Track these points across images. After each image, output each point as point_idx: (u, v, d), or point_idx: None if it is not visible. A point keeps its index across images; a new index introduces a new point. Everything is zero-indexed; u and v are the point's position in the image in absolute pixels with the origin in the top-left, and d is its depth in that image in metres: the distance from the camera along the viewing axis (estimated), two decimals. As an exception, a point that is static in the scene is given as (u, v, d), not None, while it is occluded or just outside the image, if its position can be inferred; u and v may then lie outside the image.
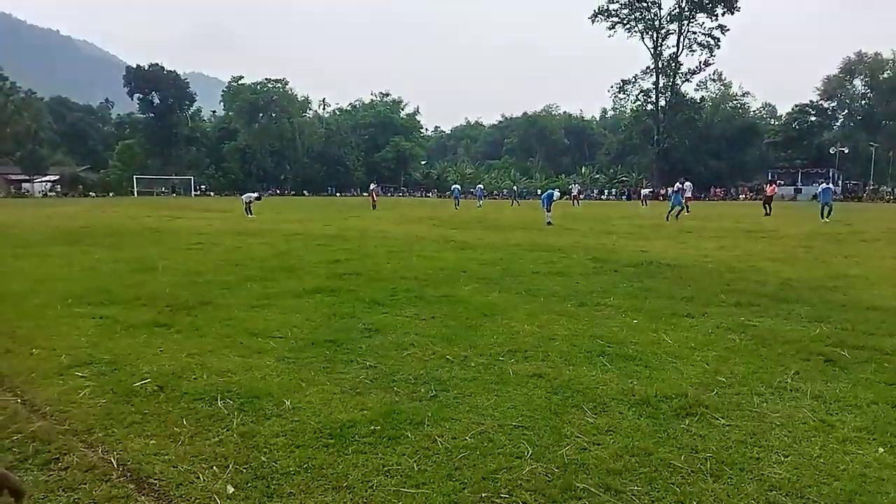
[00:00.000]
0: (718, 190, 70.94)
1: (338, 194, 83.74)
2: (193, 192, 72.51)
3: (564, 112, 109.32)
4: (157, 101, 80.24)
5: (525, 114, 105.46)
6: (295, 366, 4.61)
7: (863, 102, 73.77)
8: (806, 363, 4.64)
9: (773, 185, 31.91)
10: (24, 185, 70.07)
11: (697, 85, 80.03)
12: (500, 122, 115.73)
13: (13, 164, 74.41)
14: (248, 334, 5.47)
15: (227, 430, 3.42)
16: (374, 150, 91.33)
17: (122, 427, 3.46)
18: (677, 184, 28.51)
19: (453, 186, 48.53)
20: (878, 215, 28.86)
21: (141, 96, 79.89)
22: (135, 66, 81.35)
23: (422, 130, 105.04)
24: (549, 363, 4.75)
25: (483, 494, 2.77)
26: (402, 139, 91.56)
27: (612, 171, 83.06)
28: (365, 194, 63.65)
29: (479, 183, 65.31)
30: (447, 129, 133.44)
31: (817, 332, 5.53)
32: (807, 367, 4.53)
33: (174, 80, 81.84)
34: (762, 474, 2.92)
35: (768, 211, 28.14)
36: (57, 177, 73.60)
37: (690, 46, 72.70)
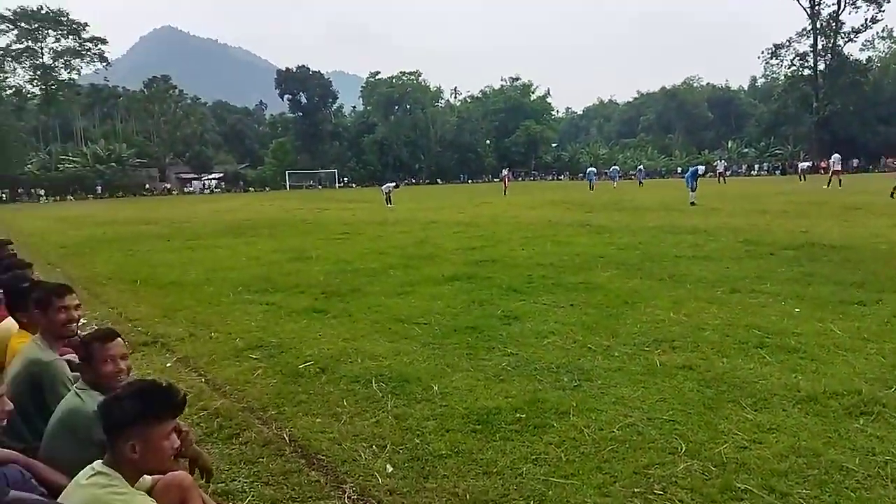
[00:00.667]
0: (891, 160, 62.60)
1: (470, 181, 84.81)
2: (337, 184, 76.98)
3: (708, 83, 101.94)
4: (304, 100, 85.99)
5: (663, 88, 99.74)
6: (440, 351, 4.80)
7: None
8: None
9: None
10: (194, 182, 78.26)
11: (863, 44, 70.92)
12: (636, 98, 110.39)
13: (183, 163, 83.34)
14: (395, 320, 5.78)
15: (383, 412, 3.66)
16: (505, 135, 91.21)
17: (291, 406, 3.83)
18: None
19: (588, 169, 47.31)
20: None
21: (290, 97, 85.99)
22: (284, 68, 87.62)
23: (552, 112, 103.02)
24: (700, 354, 4.53)
25: (635, 490, 2.74)
26: (532, 123, 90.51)
27: (763, 143, 76.36)
28: (496, 180, 63.81)
29: (615, 164, 62.98)
30: (579, 109, 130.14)
31: None
32: None
33: (318, 79, 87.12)
34: (958, 487, 2.60)
35: None
36: (221, 174, 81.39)
37: (854, 2, 64.42)
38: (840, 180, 28.96)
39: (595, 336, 5.11)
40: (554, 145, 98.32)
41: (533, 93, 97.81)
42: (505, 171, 40.87)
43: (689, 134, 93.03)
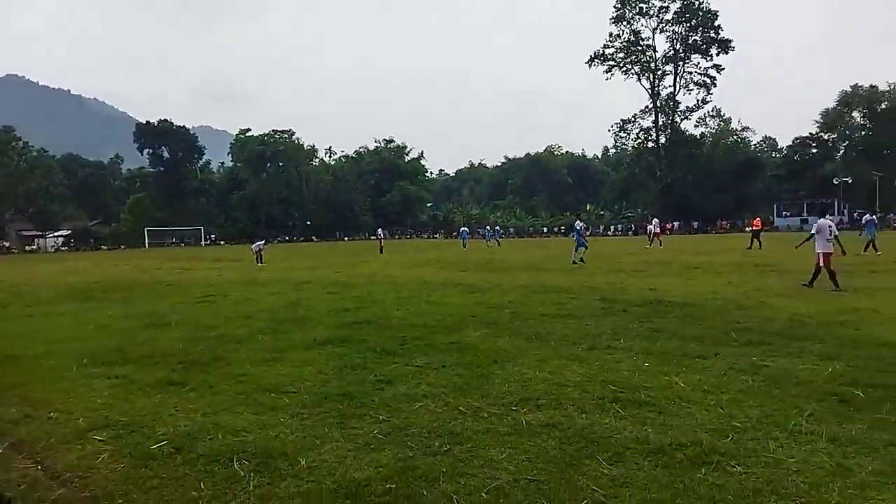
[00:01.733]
0: (725, 222, 71.01)
1: (346, 238, 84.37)
2: (204, 242, 73.23)
3: (567, 152, 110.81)
4: (166, 154, 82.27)
5: (528, 154, 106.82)
6: (309, 422, 4.63)
7: (862, 133, 74.18)
8: (820, 404, 4.62)
9: (758, 219, 31.74)
10: (37, 240, 71.05)
11: (697, 122, 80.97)
12: (504, 163, 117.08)
13: (26, 220, 75.64)
14: (261, 390, 5.50)
15: (244, 493, 3.44)
16: (381, 194, 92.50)
17: (141, 492, 3.48)
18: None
19: (461, 228, 49.01)
20: (887, 244, 28.71)
21: (151, 151, 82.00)
22: (145, 122, 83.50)
23: (426, 174, 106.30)
24: (562, 412, 4.74)
25: (501, 554, 2.76)
26: (407, 183, 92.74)
27: (616, 207, 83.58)
28: (373, 238, 64.10)
29: (487, 224, 65.56)
30: (451, 171, 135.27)
31: (829, 371, 5.51)
32: (821, 409, 4.51)
33: (183, 134, 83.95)
34: (781, 525, 2.90)
35: (758, 245, 27.70)
36: (69, 231, 74.60)
37: (687, 86, 74.14)
38: (661, 241, 33.90)
39: (466, 397, 5.19)
40: (429, 205, 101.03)
41: (407, 154, 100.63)
42: (380, 231, 41.22)
43: (553, 197, 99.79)
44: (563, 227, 77.87)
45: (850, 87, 74.60)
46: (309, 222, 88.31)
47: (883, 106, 71.77)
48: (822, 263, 12.11)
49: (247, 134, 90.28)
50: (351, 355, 6.96)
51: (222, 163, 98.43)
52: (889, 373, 5.47)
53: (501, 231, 56.47)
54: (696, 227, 71.69)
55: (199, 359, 6.87)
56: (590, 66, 77.61)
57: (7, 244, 66.30)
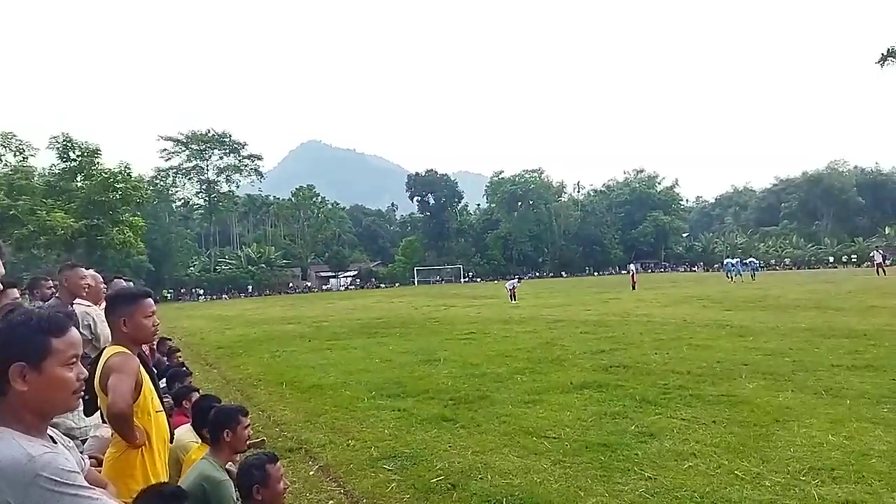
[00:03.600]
0: None
1: (595, 273, 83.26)
2: (462, 279, 78.88)
3: (855, 166, 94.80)
4: (431, 200, 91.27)
5: (805, 173, 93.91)
6: (571, 470, 4.69)
7: None
8: None
9: None
10: (331, 280, 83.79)
11: None
12: (775, 184, 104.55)
13: (322, 262, 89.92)
14: (524, 433, 5.74)
15: (515, 537, 3.63)
16: (631, 226, 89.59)
17: (424, 523, 3.90)
18: None
19: (726, 260, 44.90)
20: None
21: (420, 198, 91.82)
22: (414, 173, 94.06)
23: (681, 202, 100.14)
24: (866, 487, 4.07)
25: None
26: (660, 213, 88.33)
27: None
28: (624, 272, 62.18)
29: (751, 255, 58.78)
30: (710, 198, 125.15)
31: None
32: None
33: (445, 181, 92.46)
34: None
35: None
36: (356, 272, 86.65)
37: None
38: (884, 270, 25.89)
39: (742, 461, 4.76)
40: (685, 235, 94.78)
41: (659, 184, 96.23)
42: (632, 266, 39.87)
43: (839, 221, 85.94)
44: (854, 256, 66.42)
45: None
46: (558, 259, 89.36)
47: None
48: None
49: (500, 175, 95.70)
50: (609, 401, 6.87)
51: (478, 204, 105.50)
52: None
53: (759, 263, 49.75)
54: None
55: (466, 396, 7.43)
56: (882, 65, 65.94)
57: (308, 284, 79.46)
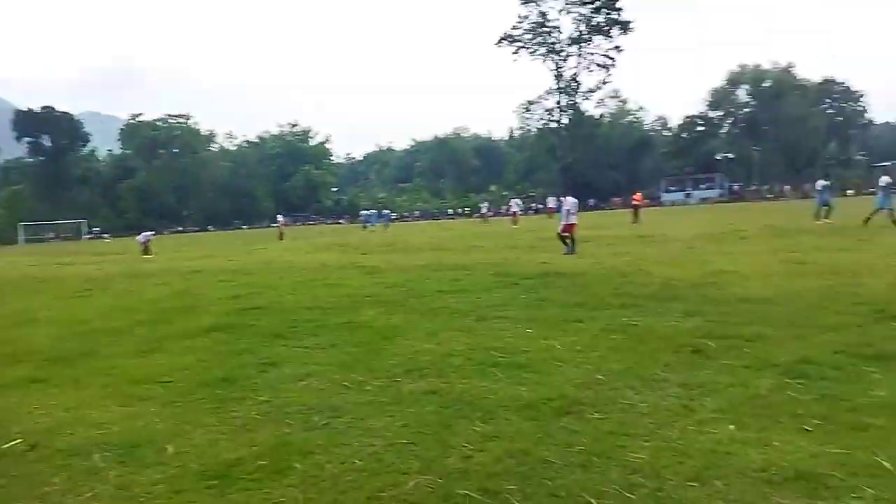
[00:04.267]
0: (618, 199, 74.67)
1: (245, 227, 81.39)
2: (85, 236, 68.15)
3: (474, 133, 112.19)
4: (47, 143, 75.93)
5: (436, 137, 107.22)
6: (182, 409, 4.47)
7: (746, 110, 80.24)
8: (676, 355, 5.02)
9: (639, 195, 33.93)
10: None
11: (597, 102, 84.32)
12: (412, 146, 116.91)
13: None
14: (133, 382, 5.24)
15: (103, 484, 3.28)
16: (283, 179, 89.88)
17: (-16, 493, 3.24)
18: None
19: (363, 211, 48.63)
20: (756, 214, 31.39)
21: (30, 140, 75.45)
22: (25, 109, 76.73)
23: (332, 158, 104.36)
24: (444, 379, 4.86)
25: (365, 514, 2.82)
26: (311, 168, 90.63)
27: (519, 187, 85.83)
28: (274, 225, 62.36)
29: (385, 208, 64.43)
30: (359, 155, 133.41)
31: (689, 326, 5.99)
32: (676, 359, 4.90)
33: (67, 121, 77.76)
34: (626, 460, 3.14)
35: (636, 219, 29.23)
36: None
37: (589, 67, 76.65)
38: (517, 221, 37.22)
39: (352, 373, 5.20)
40: (334, 190, 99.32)
41: (312, 139, 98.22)
42: (280, 218, 40.11)
43: (459, 179, 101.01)
44: (468, 209, 79.06)
45: (738, 66, 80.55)
46: (204, 212, 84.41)
47: (766, 84, 77.91)
48: (563, 232, 14.80)
49: (138, 119, 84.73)
50: (237, 341, 6.76)
51: (110, 150, 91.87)
52: (740, 325, 6.00)
53: (393, 214, 55.80)
54: (591, 204, 74.93)
55: (68, 355, 6.43)
56: (499, 45, 78.69)
57: None
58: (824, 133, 74.35)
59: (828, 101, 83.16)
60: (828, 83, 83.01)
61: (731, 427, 3.47)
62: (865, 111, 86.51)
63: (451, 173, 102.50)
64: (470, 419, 3.91)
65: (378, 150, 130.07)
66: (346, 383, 4.91)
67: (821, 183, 21.98)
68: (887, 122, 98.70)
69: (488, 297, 8.88)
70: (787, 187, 66.82)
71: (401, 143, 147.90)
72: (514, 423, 3.81)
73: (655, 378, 4.45)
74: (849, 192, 57.76)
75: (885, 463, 2.86)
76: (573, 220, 15.14)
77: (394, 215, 69.45)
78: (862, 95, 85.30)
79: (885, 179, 17.91)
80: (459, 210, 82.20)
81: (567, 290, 9.08)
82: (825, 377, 4.17)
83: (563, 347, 5.58)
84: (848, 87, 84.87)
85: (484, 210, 49.92)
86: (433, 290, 9.90)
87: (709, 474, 2.93)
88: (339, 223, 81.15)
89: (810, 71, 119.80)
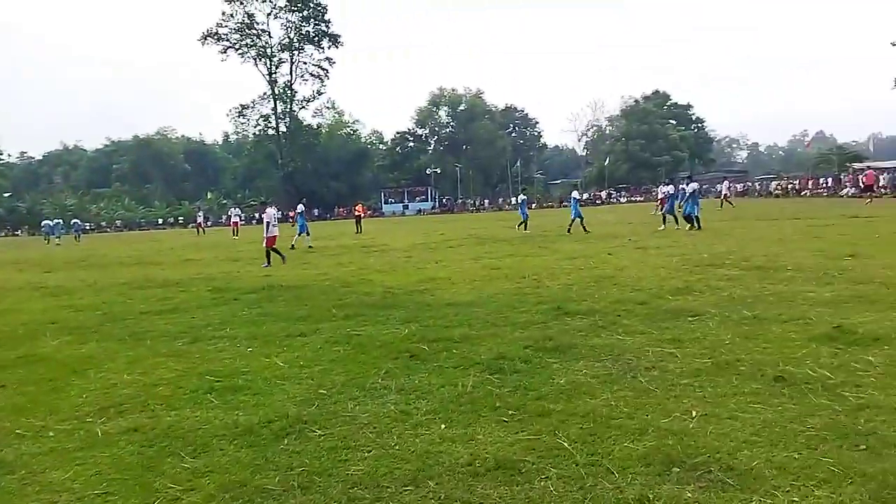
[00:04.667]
0: (341, 209, 76.36)
1: None
2: None
3: (183, 136, 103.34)
4: None
5: (136, 137, 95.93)
6: None
7: (447, 130, 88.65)
8: (395, 361, 5.27)
9: (360, 206, 34.53)
10: None
11: (314, 112, 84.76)
12: (107, 145, 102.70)
13: None
14: None
15: None
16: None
17: None
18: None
19: (45, 222, 41.27)
20: (463, 224, 35.05)
21: None
22: None
23: (0, 157, 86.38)
24: (149, 413, 4.35)
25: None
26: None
27: (239, 195, 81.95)
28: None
29: (75, 217, 54.95)
30: (38, 154, 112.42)
31: (406, 332, 6.36)
32: (395, 366, 5.15)
33: None
34: (347, 474, 3.17)
35: (358, 229, 30.09)
36: None
37: (303, 76, 76.57)
38: (237, 231, 35.86)
39: (28, 417, 4.35)
40: (7, 195, 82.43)
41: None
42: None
43: (169, 185, 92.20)
44: (181, 218, 72.71)
45: (438, 88, 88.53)
46: None
47: (462, 107, 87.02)
48: (267, 245, 14.89)
49: None
50: None
51: None
52: (450, 328, 6.57)
53: (82, 225, 48.55)
54: (316, 214, 75.36)
55: None
56: (203, 43, 73.76)
57: None
58: (511, 153, 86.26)
59: (511, 125, 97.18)
60: (510, 110, 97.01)
61: (443, 426, 3.76)
62: (541, 136, 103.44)
63: (159, 178, 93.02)
64: (179, 456, 3.55)
65: (63, 148, 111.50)
66: (19, 431, 4.09)
67: (520, 197, 25.47)
68: (556, 146, 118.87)
69: (204, 315, 8.26)
70: (486, 201, 76.13)
71: (92, 142, 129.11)
72: (230, 452, 3.57)
73: (376, 386, 4.61)
74: (532, 205, 68.34)
75: (564, 443, 3.38)
76: (274, 231, 15.04)
77: (87, 225, 60.50)
78: (537, 122, 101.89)
79: (575, 194, 21.47)
80: (171, 219, 75.13)
81: (290, 303, 8.92)
82: (517, 370, 4.79)
83: (285, 364, 5.44)
84: (526, 115, 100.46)
85: (199, 219, 46.47)
86: (137, 311, 8.86)
87: (423, 475, 3.12)
88: (16, 235, 67.65)
89: (497, 97, 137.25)
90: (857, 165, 47.42)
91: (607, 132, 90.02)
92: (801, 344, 5.05)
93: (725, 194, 34.84)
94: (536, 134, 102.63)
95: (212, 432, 3.89)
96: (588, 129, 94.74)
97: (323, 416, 4.04)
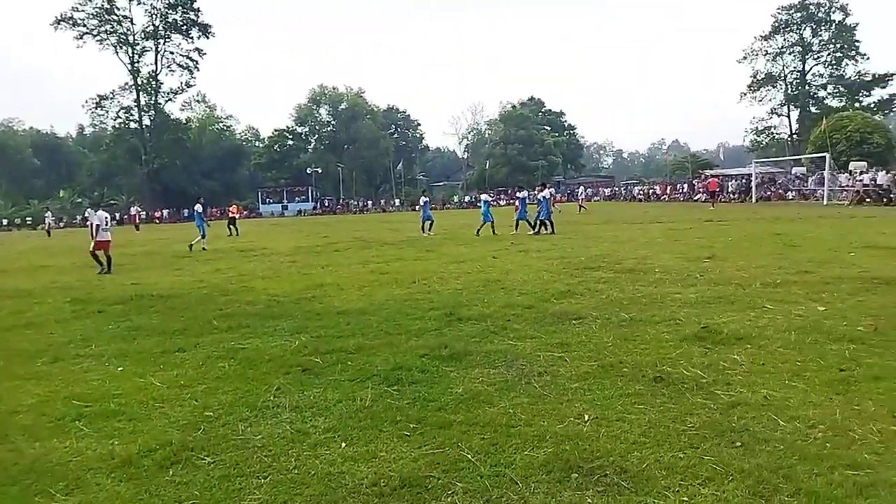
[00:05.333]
0: (215, 210, 72.39)
1: None
2: None
3: (31, 128, 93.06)
4: None
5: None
6: None
7: (329, 129, 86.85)
8: (286, 377, 5.05)
9: (235, 207, 32.40)
10: None
11: (182, 105, 79.54)
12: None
13: None
14: None
15: None
16: None
17: None
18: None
19: None
20: (347, 226, 34.56)
21: None
22: None
23: None
24: (9, 445, 3.87)
25: None
26: None
27: (97, 193, 75.16)
28: None
29: None
30: None
31: (297, 344, 6.13)
32: (287, 381, 4.93)
33: None
34: (243, 505, 3.00)
35: (235, 232, 28.29)
36: None
37: (170, 66, 71.75)
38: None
39: None
40: None
41: None
42: None
43: (15, 181, 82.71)
44: (29, 219, 65.46)
45: (318, 85, 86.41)
46: None
47: (343, 106, 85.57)
48: (95, 249, 14.06)
49: None
50: None
51: None
52: (343, 338, 6.41)
53: None
54: (187, 214, 70.86)
55: None
56: (55, 28, 66.92)
57: None
58: (394, 154, 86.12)
59: (393, 126, 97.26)
60: (392, 110, 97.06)
61: (344, 445, 3.65)
62: (423, 138, 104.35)
63: (4, 174, 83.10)
64: (49, 493, 3.19)
65: None
66: None
67: (422, 199, 25.02)
68: (438, 148, 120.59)
69: (65, 330, 7.49)
70: (370, 202, 75.42)
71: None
72: (108, 487, 3.25)
73: (268, 405, 4.39)
74: (417, 207, 68.88)
75: (468, 455, 3.40)
76: (106, 236, 14.18)
77: None
78: (419, 124, 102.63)
79: (485, 196, 22.03)
80: (18, 220, 67.37)
81: (165, 314, 8.29)
82: (415, 381, 4.77)
83: (163, 384, 5.04)
84: (408, 116, 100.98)
85: (48, 220, 42.17)
86: (-20, 328, 7.83)
87: (326, 500, 3.01)
88: None
89: (378, 97, 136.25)
90: (708, 172, 52.34)
91: (486, 136, 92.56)
92: (674, 344, 5.47)
93: (581, 199, 37.55)
94: (419, 136, 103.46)
95: (85, 465, 3.52)
96: (469, 133, 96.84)
97: (211, 442, 3.78)
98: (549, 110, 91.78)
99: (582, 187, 41.83)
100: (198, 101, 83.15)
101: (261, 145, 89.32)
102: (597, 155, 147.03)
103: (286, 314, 7.90)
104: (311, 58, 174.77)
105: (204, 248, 20.14)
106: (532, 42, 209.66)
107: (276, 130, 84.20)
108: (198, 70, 72.85)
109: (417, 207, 26.38)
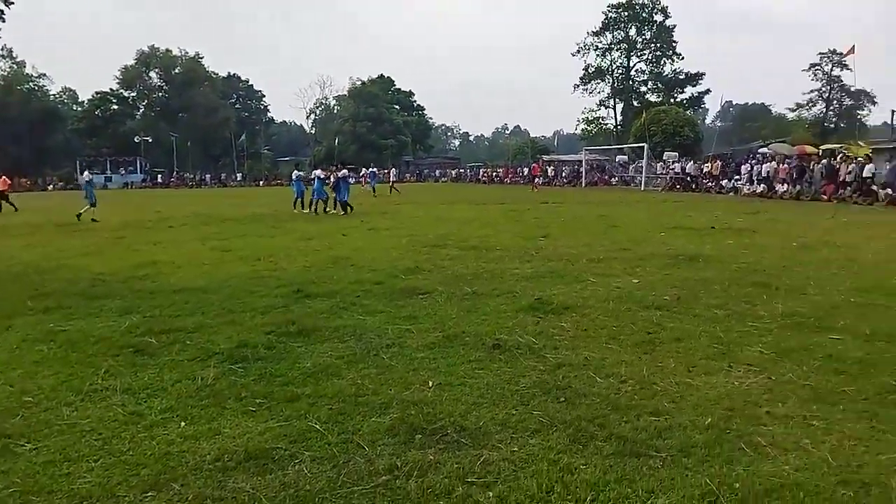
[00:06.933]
0: (24, 180, 63.66)
1: None
2: None
3: None
4: None
5: None
6: None
7: (160, 94, 79.65)
8: (116, 359, 4.71)
9: (3, 179, 28.13)
10: None
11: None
12: None
13: None
14: None
15: None
16: None
17: None
18: None
19: None
20: (183, 201, 32.23)
21: None
22: None
23: None
24: None
25: None
26: None
27: None
28: None
29: None
30: None
31: (127, 325, 5.70)
32: (117, 363, 4.60)
33: None
34: (72, 489, 2.81)
35: (13, 207, 24.35)
36: None
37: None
38: None
39: None
40: None
41: None
42: None
43: None
44: None
45: (148, 47, 78.51)
46: None
47: (177, 70, 78.74)
48: None
49: None
50: None
51: None
52: (181, 317, 6.08)
53: None
54: None
55: None
56: None
57: None
58: (236, 126, 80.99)
59: (235, 95, 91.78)
60: (233, 78, 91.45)
61: (183, 424, 3.51)
62: (268, 110, 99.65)
63: None
64: None
65: None
66: None
67: (295, 173, 22.25)
68: (284, 122, 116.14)
69: None
70: (208, 175, 70.41)
71: None
72: None
73: (96, 388, 4.08)
74: (261, 182, 65.91)
75: (315, 426, 3.44)
76: None
77: None
78: (263, 95, 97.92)
79: (318, 172, 20.86)
80: None
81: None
82: (261, 358, 4.69)
83: (-34, 371, 4.47)
84: (251, 86, 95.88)
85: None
86: None
87: (165, 478, 2.91)
88: None
89: (218, 64, 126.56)
90: (546, 157, 55.94)
91: (336, 112, 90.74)
92: (511, 315, 5.91)
93: (393, 181, 38.41)
94: (263, 107, 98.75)
95: None
96: (316, 108, 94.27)
97: (32, 428, 3.46)
98: (399, 89, 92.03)
99: (393, 169, 42.62)
100: (3, 56, 72.25)
101: (80, 109, 79.84)
102: (444, 137, 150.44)
103: (113, 293, 7.28)
104: (143, 17, 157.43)
105: (93, 219, 18.46)
106: (384, 20, 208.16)
107: (97, 93, 75.69)
108: (3, 22, 62.92)
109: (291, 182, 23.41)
